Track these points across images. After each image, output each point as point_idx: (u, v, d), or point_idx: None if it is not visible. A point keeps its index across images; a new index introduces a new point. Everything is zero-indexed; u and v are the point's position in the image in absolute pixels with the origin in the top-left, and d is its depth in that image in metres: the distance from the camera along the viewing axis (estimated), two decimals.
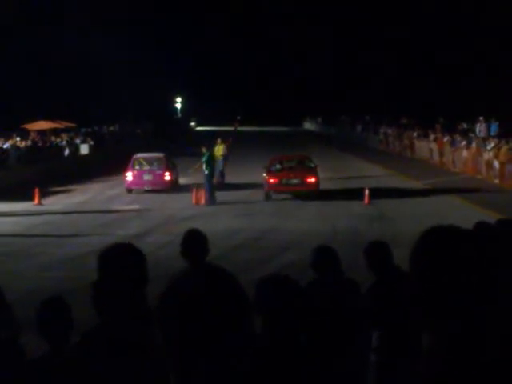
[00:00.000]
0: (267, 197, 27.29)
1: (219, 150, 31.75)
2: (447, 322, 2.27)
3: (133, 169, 30.23)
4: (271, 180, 27.27)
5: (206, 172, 26.61)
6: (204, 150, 27.84)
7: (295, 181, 27.30)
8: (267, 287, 4.02)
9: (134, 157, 31.01)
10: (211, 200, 26.07)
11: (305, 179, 27.30)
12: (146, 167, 30.36)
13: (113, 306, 3.64)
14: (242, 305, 5.89)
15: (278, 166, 28.51)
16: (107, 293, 3.66)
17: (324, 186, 28.85)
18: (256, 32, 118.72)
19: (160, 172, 30.05)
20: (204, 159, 27.13)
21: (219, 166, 30.66)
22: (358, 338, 6.35)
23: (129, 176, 30.05)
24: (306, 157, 30.89)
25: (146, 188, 30.00)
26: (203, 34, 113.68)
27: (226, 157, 32.36)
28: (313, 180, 27.30)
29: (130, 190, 30.11)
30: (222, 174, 31.58)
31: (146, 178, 30.01)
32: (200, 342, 5.89)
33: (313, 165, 28.72)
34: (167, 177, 30.02)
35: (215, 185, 27.83)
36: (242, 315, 5.83)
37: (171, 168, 31.04)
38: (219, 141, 32.51)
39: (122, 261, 3.68)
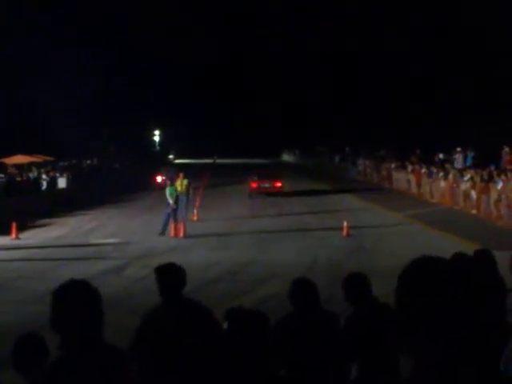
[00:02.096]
0: (250, 196, 41.25)
1: (182, 185, 29.04)
2: (429, 348, 2.30)
3: (161, 175, 48.08)
4: (253, 185, 41.88)
5: (170, 203, 26.67)
6: (168, 182, 28.07)
7: (267, 185, 42.03)
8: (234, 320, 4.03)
9: (161, 168, 52.61)
10: (164, 229, 26.43)
11: (274, 184, 42.16)
12: (169, 173, 45.21)
13: (65, 343, 3.57)
14: (218, 339, 5.85)
15: (257, 177, 42.56)
16: (59, 330, 3.59)
17: (303, 218, 29.97)
18: (234, 65, 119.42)
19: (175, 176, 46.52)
20: (168, 192, 27.10)
21: (182, 202, 28.18)
22: (337, 370, 6.33)
23: (159, 179, 47.70)
24: (274, 170, 48.81)
25: (162, 183, 44.32)
26: (184, 66, 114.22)
27: (188, 195, 29.16)
28: (279, 184, 42.40)
29: (159, 187, 42.11)
30: (185, 213, 28.44)
31: (161, 180, 46.18)
32: (177, 377, 5.84)
33: (279, 175, 44.42)
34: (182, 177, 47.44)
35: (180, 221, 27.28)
36: (217, 350, 5.78)
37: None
38: (181, 175, 29.84)
39: (75, 299, 3.58)
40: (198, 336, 5.81)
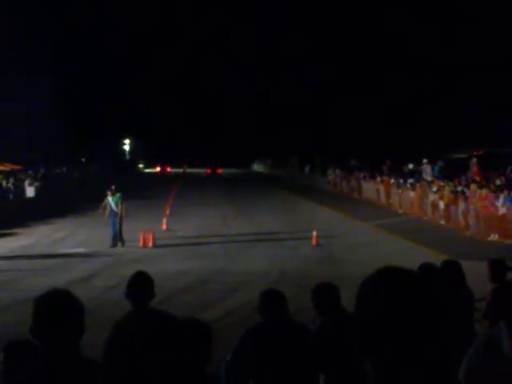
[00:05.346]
0: (206, 176, 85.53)
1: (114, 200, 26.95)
2: (385, 355, 2.29)
3: (159, 167, 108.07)
4: (207, 171, 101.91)
5: (115, 211, 26.32)
6: (109, 193, 26.77)
7: (214, 171, 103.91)
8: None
9: (159, 164, 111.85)
10: (115, 242, 26.17)
11: (217, 170, 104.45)
12: (162, 166, 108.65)
13: (45, 353, 3.57)
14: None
15: (208, 167, 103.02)
16: (39, 340, 3.59)
17: (272, 227, 30.95)
18: (206, 72, 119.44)
19: (166, 167, 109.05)
20: (112, 200, 26.49)
21: (115, 218, 26.70)
22: (305, 381, 6.30)
23: (158, 168, 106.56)
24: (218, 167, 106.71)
25: (160, 171, 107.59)
26: (154, 76, 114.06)
27: (121, 213, 26.70)
28: (220, 171, 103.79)
29: (160, 173, 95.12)
30: (118, 234, 26.63)
31: (159, 169, 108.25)
32: None
33: (219, 168, 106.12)
34: (169, 169, 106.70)
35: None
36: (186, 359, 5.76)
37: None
38: (113, 189, 27.01)
39: (57, 309, 3.59)
40: (167, 345, 5.78)
